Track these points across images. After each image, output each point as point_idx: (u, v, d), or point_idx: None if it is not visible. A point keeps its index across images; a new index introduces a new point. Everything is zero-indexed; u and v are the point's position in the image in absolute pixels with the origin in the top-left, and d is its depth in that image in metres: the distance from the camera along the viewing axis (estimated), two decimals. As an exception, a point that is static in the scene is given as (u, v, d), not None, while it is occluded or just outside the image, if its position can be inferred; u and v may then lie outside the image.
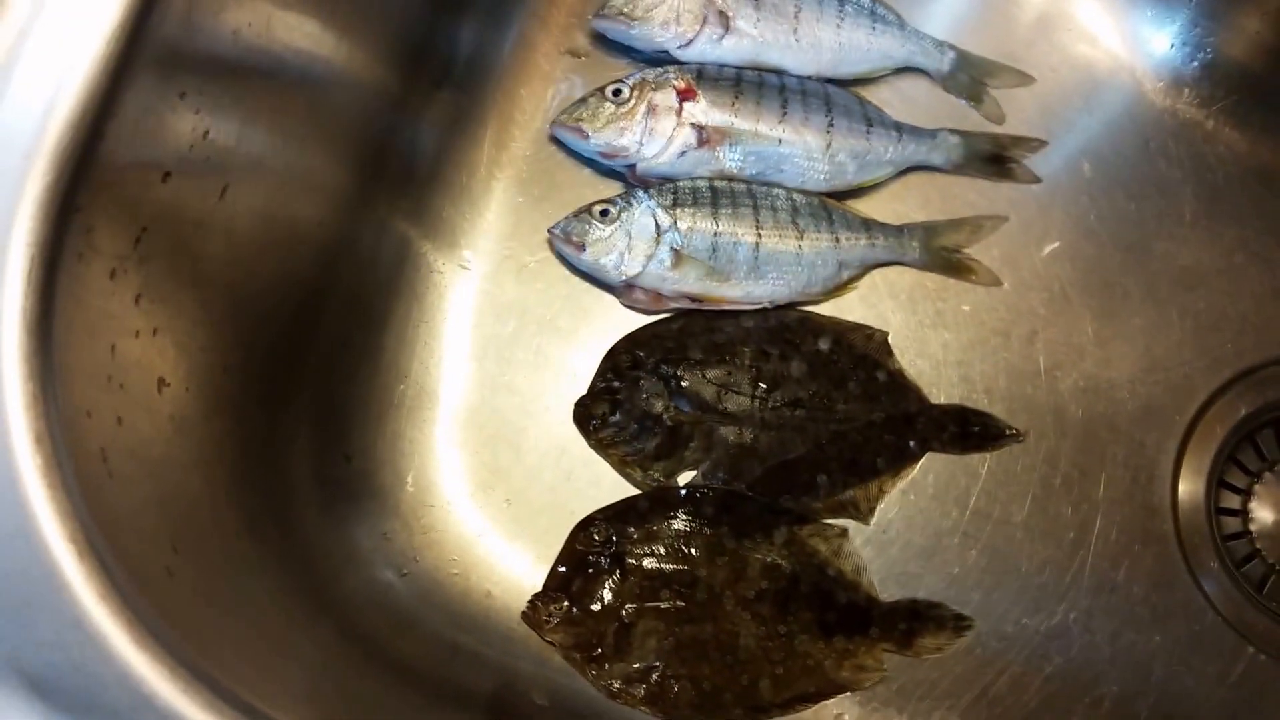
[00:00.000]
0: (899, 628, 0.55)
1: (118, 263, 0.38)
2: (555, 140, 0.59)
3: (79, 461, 0.35)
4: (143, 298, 0.40)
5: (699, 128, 0.57)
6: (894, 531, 0.56)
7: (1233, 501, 0.58)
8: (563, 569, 0.53)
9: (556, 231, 0.57)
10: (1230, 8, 0.61)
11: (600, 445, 0.56)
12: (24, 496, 0.33)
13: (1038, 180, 0.60)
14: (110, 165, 0.36)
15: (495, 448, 0.56)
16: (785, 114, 0.58)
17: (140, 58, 0.36)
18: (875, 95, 0.61)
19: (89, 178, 0.36)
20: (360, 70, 0.52)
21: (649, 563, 0.53)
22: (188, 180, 0.42)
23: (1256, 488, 0.58)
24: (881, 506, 0.56)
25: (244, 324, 0.48)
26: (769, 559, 0.54)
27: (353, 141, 0.53)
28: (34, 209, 0.34)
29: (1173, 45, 0.61)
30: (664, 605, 0.53)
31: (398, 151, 0.56)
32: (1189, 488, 0.57)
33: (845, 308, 0.58)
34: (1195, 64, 0.61)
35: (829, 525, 0.56)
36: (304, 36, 0.47)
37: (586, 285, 0.58)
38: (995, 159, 0.60)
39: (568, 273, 0.58)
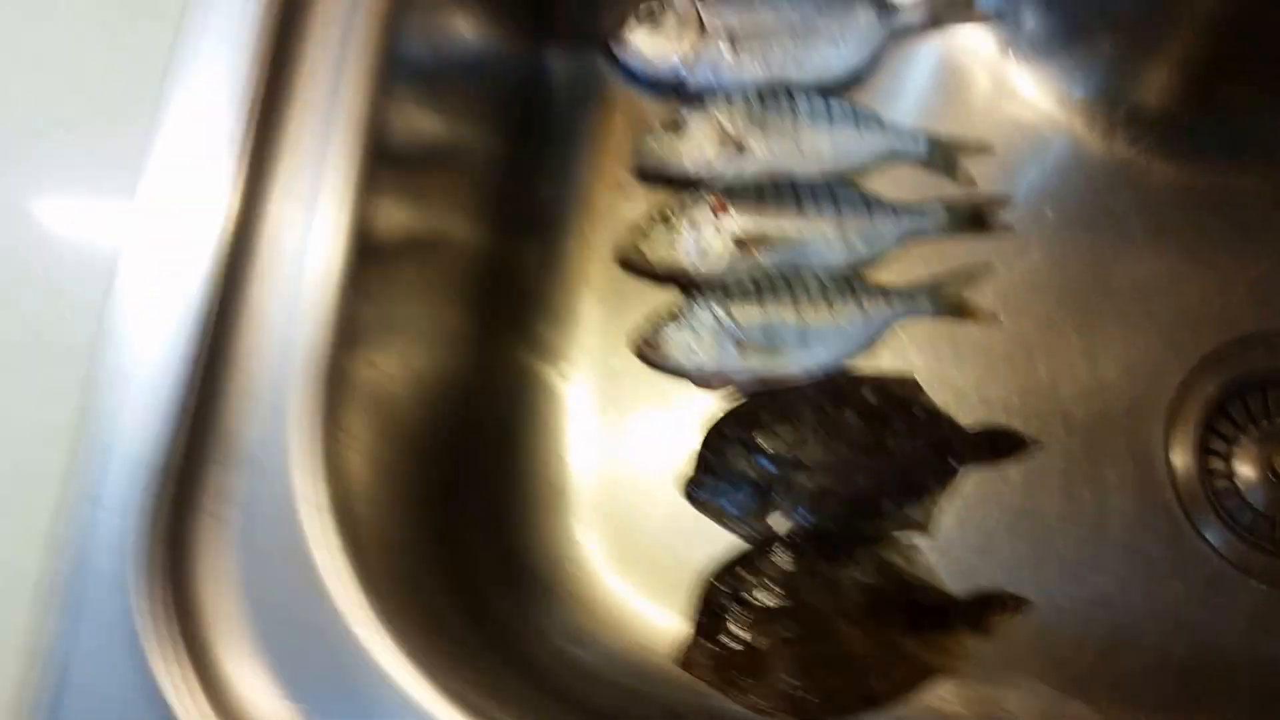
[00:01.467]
0: (972, 615, 0.66)
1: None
2: (624, 264, 0.71)
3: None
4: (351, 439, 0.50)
5: (735, 236, 0.69)
6: (951, 536, 0.68)
7: (1218, 464, 0.71)
8: (701, 619, 0.65)
9: (637, 338, 0.69)
10: (1138, 63, 0.75)
11: (706, 509, 0.68)
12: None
13: (1010, 228, 0.73)
14: (348, 367, 0.48)
15: (624, 525, 0.68)
16: (802, 212, 0.70)
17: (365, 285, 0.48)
18: (871, 182, 0.73)
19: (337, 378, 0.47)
20: (470, 238, 0.64)
21: (766, 600, 0.65)
22: (378, 354, 0.53)
23: (1235, 450, 0.71)
24: (937, 517, 0.68)
25: (417, 449, 0.59)
26: (858, 578, 0.66)
27: (472, 293, 0.65)
28: (306, 399, 0.45)
29: (1100, 98, 0.74)
30: (785, 633, 0.65)
31: (505, 292, 0.68)
32: (1180, 459, 0.70)
33: (879, 360, 0.71)
34: (1121, 111, 0.74)
35: (899, 540, 0.67)
36: (436, 226, 0.58)
37: (667, 378, 0.70)
38: (974, 217, 0.73)
39: (650, 371, 0.70)
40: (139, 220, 0.42)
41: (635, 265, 0.70)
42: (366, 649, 0.40)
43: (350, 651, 0.39)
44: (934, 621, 0.66)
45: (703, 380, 0.69)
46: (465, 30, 0.55)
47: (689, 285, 0.70)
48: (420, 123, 0.51)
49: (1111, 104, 0.74)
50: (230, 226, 0.42)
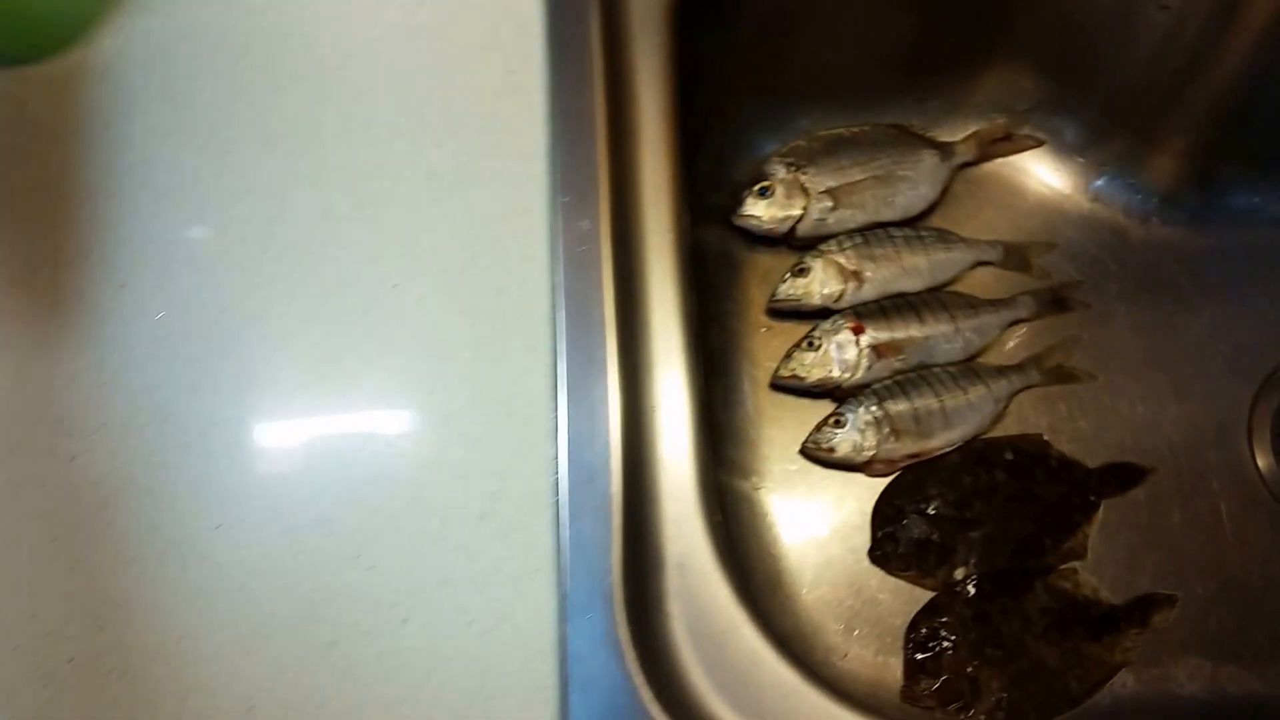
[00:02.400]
0: (1135, 616, 0.80)
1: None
2: (777, 388, 0.87)
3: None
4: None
5: (873, 346, 0.85)
6: (1103, 557, 0.82)
7: (1298, 461, 0.86)
8: (915, 657, 0.78)
9: (810, 444, 0.83)
10: (1154, 159, 0.92)
11: (897, 572, 0.81)
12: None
13: (1088, 305, 0.89)
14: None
15: (837, 595, 0.81)
16: (922, 319, 0.86)
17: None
18: (967, 287, 0.89)
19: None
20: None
21: (965, 634, 0.78)
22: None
23: (1307, 443, 0.86)
24: (1089, 544, 0.82)
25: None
26: (1038, 604, 0.80)
27: None
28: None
29: (1132, 191, 0.92)
30: (989, 658, 0.78)
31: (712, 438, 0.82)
32: (1264, 460, 0.84)
33: (1008, 427, 0.86)
34: (1152, 199, 0.91)
35: (1063, 568, 0.81)
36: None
37: (836, 473, 0.85)
38: (1055, 301, 0.89)
39: (821, 470, 0.85)
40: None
41: (791, 387, 0.86)
42: (775, 677, 0.54)
43: (766, 678, 0.53)
44: (1107, 627, 0.79)
45: (869, 469, 0.84)
46: None
47: (841, 394, 0.85)
48: None
49: (1141, 193, 0.92)
50: (621, 407, 0.56)
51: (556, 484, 0.54)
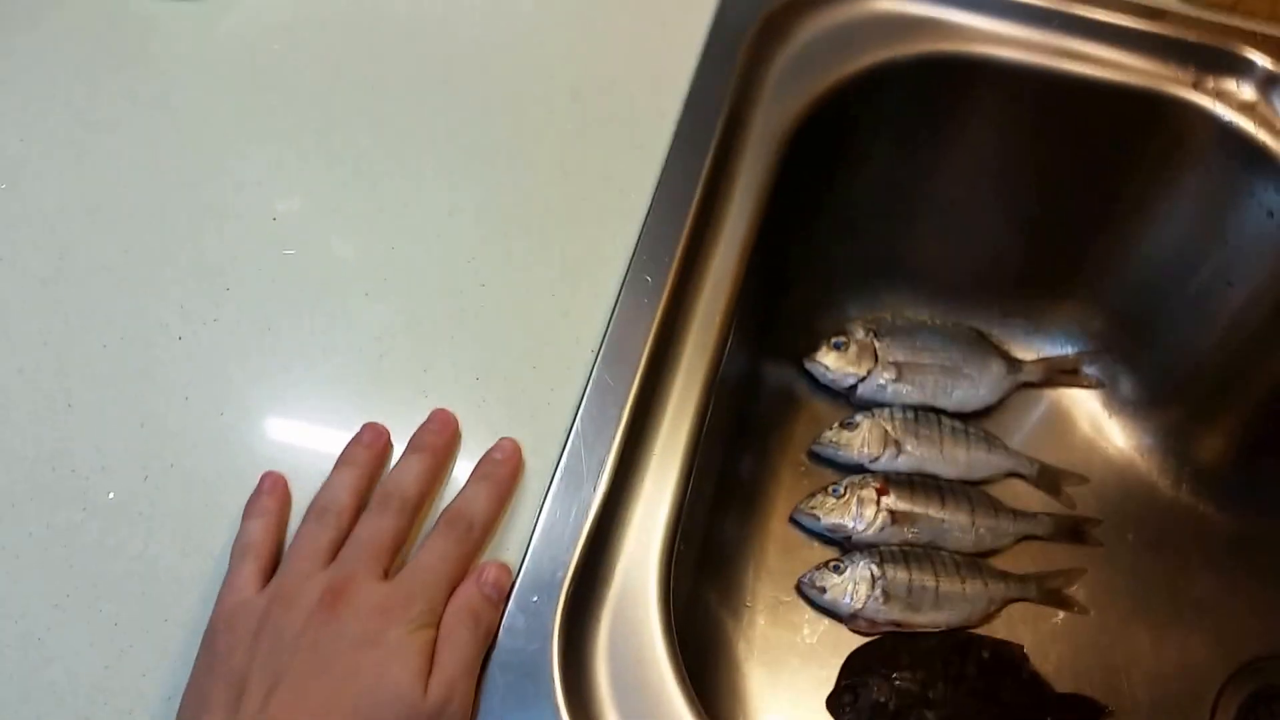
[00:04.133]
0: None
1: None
2: (794, 523, 0.92)
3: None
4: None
5: (891, 511, 0.90)
6: (1044, 778, 0.85)
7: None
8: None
9: (805, 581, 0.88)
10: (1202, 432, 0.97)
11: (847, 722, 0.85)
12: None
13: (1100, 545, 0.93)
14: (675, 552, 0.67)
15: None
16: (944, 504, 0.91)
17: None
18: (994, 490, 0.94)
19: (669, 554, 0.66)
20: (705, 500, 0.84)
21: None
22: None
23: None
24: (1036, 761, 0.85)
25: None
26: (972, 797, 0.82)
27: (697, 545, 0.83)
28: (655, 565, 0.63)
29: (1171, 453, 0.97)
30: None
31: (712, 540, 0.87)
32: (1227, 743, 0.87)
33: (994, 629, 0.89)
34: (1188, 467, 0.96)
35: (1005, 775, 0.84)
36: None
37: (822, 616, 0.89)
38: (1073, 530, 0.93)
39: (809, 609, 0.89)
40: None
41: (807, 525, 0.91)
42: (673, 706, 0.58)
43: (666, 711, 0.57)
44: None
45: (853, 622, 0.88)
46: (734, 347, 0.77)
47: (850, 546, 0.90)
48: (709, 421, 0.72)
49: (1179, 459, 0.96)
50: (608, 491, 0.61)
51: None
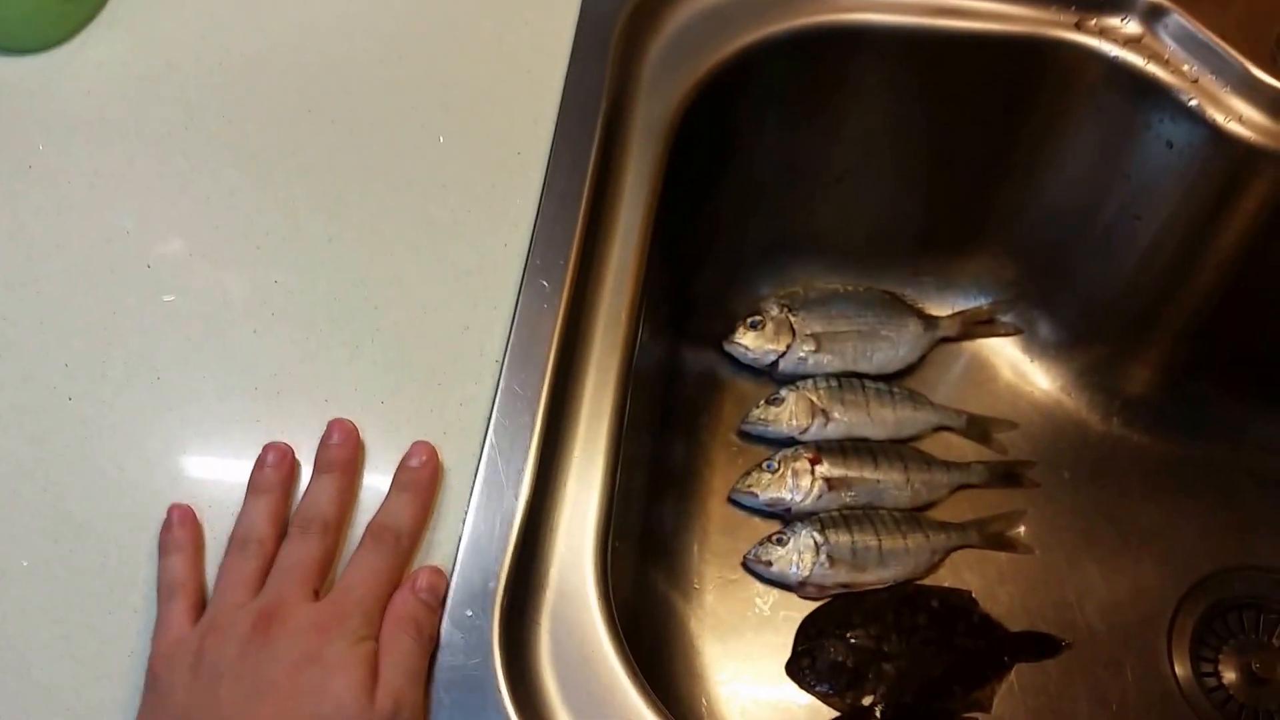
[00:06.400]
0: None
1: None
2: (733, 502, 0.92)
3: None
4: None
5: (826, 479, 0.91)
6: (1006, 714, 0.85)
7: (1208, 667, 0.88)
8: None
9: (750, 557, 0.89)
10: (1126, 365, 0.99)
11: (808, 688, 0.85)
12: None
13: (1037, 485, 0.94)
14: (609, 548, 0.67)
15: (749, 695, 0.85)
16: (877, 464, 0.92)
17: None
18: (926, 446, 0.95)
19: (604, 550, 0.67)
20: (641, 488, 0.84)
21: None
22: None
23: (1221, 656, 0.89)
24: (995, 701, 0.86)
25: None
26: (935, 747, 0.83)
27: (638, 538, 0.84)
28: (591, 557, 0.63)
29: (1098, 390, 0.98)
30: (876, 788, 0.81)
31: (653, 531, 0.88)
32: (1179, 660, 0.87)
33: (941, 578, 0.90)
34: (1116, 399, 0.98)
35: (966, 716, 0.85)
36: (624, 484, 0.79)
37: (771, 588, 0.89)
38: (1008, 475, 0.94)
39: (758, 583, 0.90)
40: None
41: (745, 502, 0.91)
42: (630, 704, 0.58)
43: (619, 704, 0.58)
44: (997, 784, 0.82)
45: (801, 590, 0.88)
46: (643, 341, 0.78)
47: (790, 517, 0.91)
48: (630, 410, 0.71)
49: (1108, 394, 0.98)
50: (530, 497, 0.61)
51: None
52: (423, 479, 0.59)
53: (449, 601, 0.57)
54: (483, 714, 0.55)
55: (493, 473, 0.61)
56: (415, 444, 0.61)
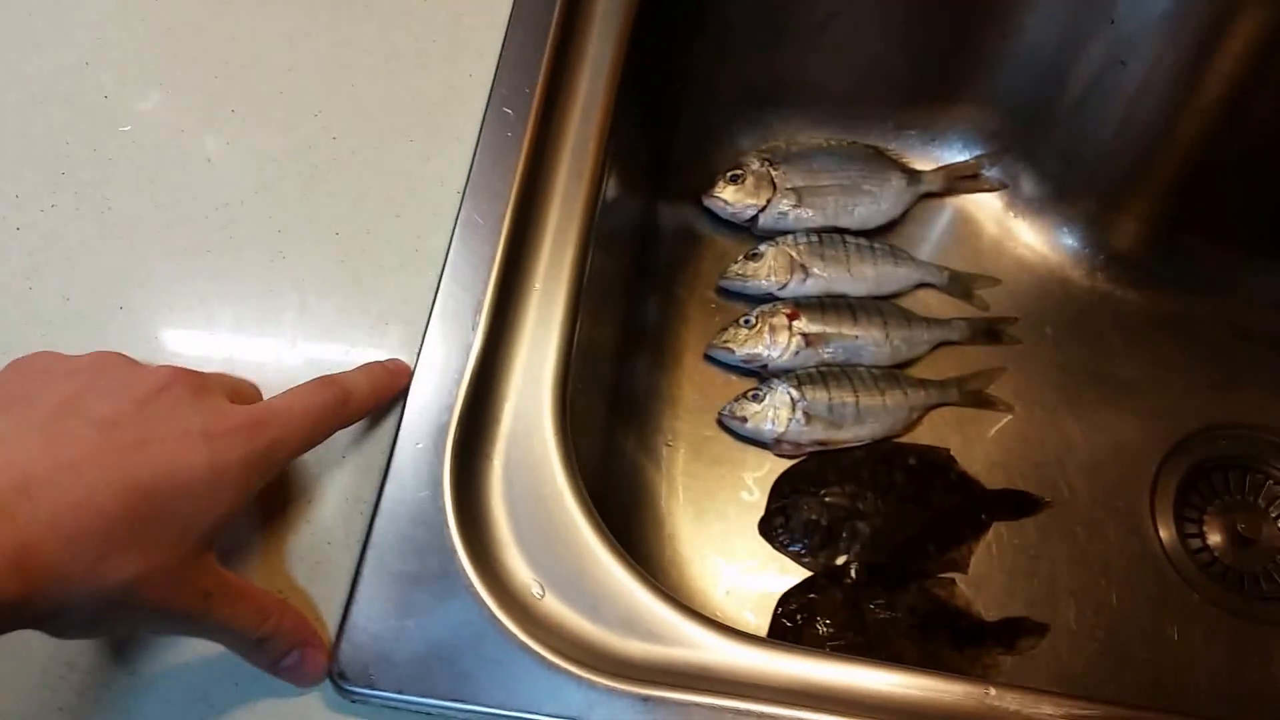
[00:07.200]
0: (1002, 637, 0.82)
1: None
2: (710, 359, 0.90)
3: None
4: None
5: (804, 335, 0.88)
6: (983, 574, 0.84)
7: (1192, 527, 0.88)
8: (781, 624, 0.80)
9: (725, 413, 0.87)
10: (1112, 218, 0.96)
11: (781, 547, 0.84)
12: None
13: (1019, 342, 0.92)
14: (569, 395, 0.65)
15: (719, 554, 0.84)
16: (856, 321, 0.89)
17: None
18: (906, 303, 0.93)
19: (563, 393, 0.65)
20: (611, 344, 0.82)
21: (833, 617, 0.81)
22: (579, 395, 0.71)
23: (1205, 516, 0.88)
24: (972, 560, 0.85)
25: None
26: (909, 604, 0.82)
27: (605, 396, 0.82)
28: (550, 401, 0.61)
29: (1083, 244, 0.96)
30: (851, 641, 0.80)
31: (623, 390, 0.86)
32: (1163, 519, 0.86)
33: (919, 437, 0.89)
34: (1101, 254, 0.95)
35: (941, 577, 0.84)
36: (594, 338, 0.77)
37: (748, 445, 0.88)
38: (989, 332, 0.92)
39: (733, 439, 0.88)
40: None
41: (722, 359, 0.89)
42: (584, 540, 0.56)
43: (572, 541, 0.56)
44: (971, 640, 0.81)
45: (777, 447, 0.87)
46: (614, 192, 0.75)
47: (767, 374, 0.89)
48: (598, 263, 0.69)
49: (1093, 249, 0.95)
50: (488, 330, 0.59)
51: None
52: (387, 380, 0.56)
53: (400, 433, 0.55)
54: (429, 546, 0.53)
55: (450, 303, 0.59)
56: (396, 359, 0.58)
